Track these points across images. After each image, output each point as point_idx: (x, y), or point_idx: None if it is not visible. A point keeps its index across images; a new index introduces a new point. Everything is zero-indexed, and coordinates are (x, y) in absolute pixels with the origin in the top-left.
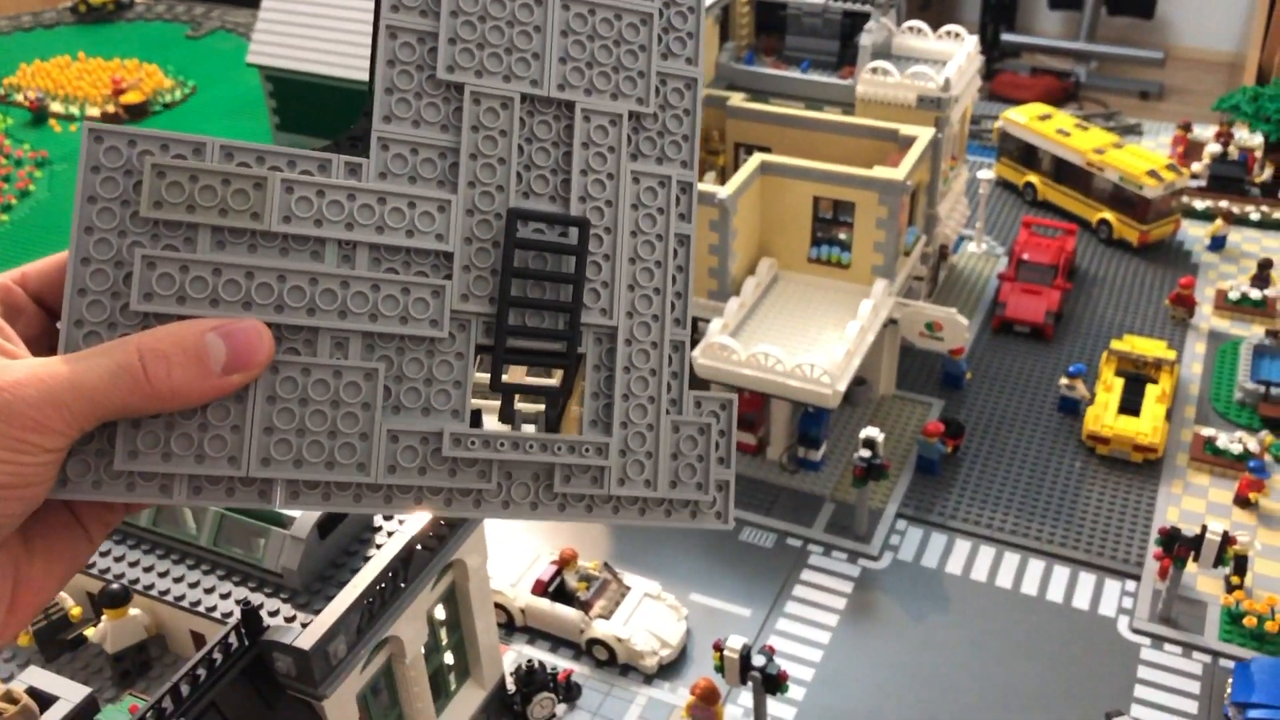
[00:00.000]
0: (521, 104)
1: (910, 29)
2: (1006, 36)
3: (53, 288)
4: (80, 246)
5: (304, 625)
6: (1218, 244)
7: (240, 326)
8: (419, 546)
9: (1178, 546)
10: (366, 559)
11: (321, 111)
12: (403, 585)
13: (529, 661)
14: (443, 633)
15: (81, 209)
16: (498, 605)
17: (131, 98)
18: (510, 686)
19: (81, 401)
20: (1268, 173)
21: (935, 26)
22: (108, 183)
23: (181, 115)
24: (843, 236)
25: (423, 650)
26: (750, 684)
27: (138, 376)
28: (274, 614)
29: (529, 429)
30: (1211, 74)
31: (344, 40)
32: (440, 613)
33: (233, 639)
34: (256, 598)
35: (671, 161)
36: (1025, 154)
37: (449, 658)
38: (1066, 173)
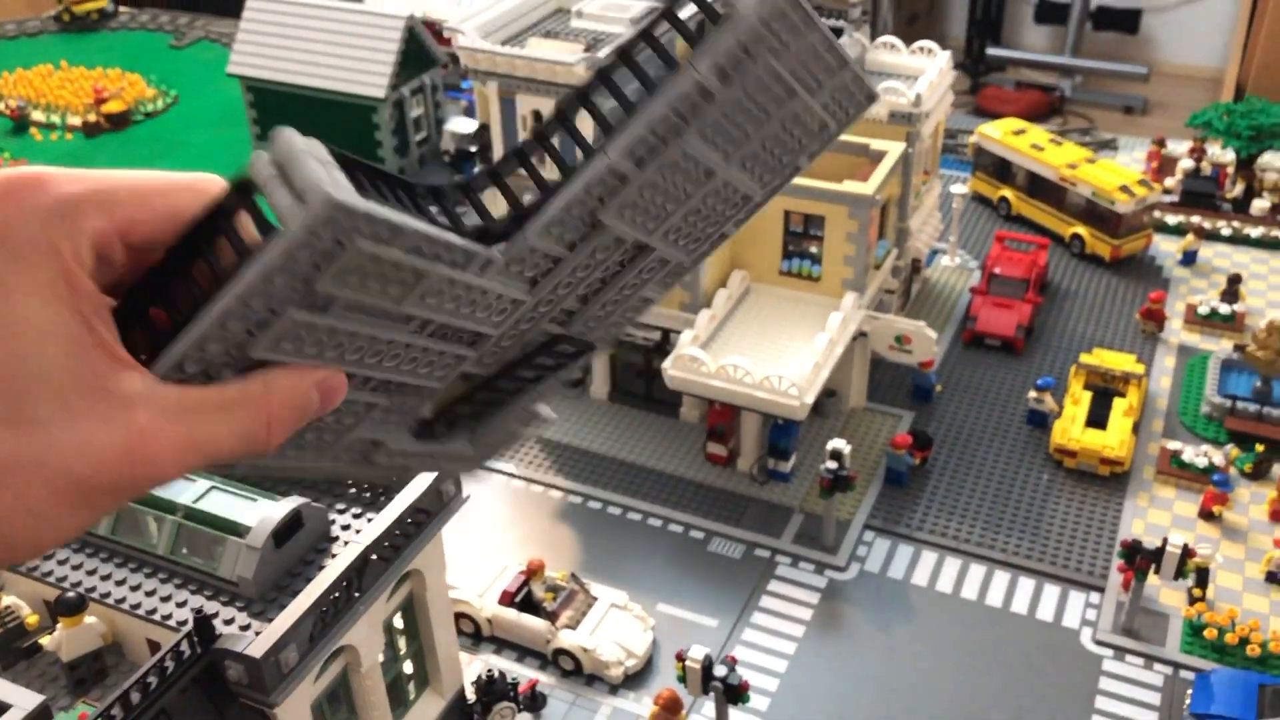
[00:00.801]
0: (623, 245)
1: (884, 45)
2: (992, 51)
3: (152, 240)
4: (232, 309)
5: (256, 634)
6: (1189, 259)
7: (334, 384)
8: (374, 556)
9: (1139, 559)
10: (322, 568)
11: (300, 122)
12: (357, 594)
13: (489, 671)
14: (401, 642)
15: (261, 273)
16: (464, 615)
17: (113, 107)
18: (470, 696)
19: (203, 461)
20: (1239, 188)
21: (923, 40)
22: (305, 251)
23: (163, 125)
24: (814, 250)
25: (380, 659)
26: (712, 694)
27: (260, 440)
28: (228, 622)
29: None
30: (1194, 89)
31: (323, 52)
32: (398, 622)
33: (184, 647)
34: (212, 606)
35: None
36: (1000, 169)
37: (408, 667)
38: (1040, 187)
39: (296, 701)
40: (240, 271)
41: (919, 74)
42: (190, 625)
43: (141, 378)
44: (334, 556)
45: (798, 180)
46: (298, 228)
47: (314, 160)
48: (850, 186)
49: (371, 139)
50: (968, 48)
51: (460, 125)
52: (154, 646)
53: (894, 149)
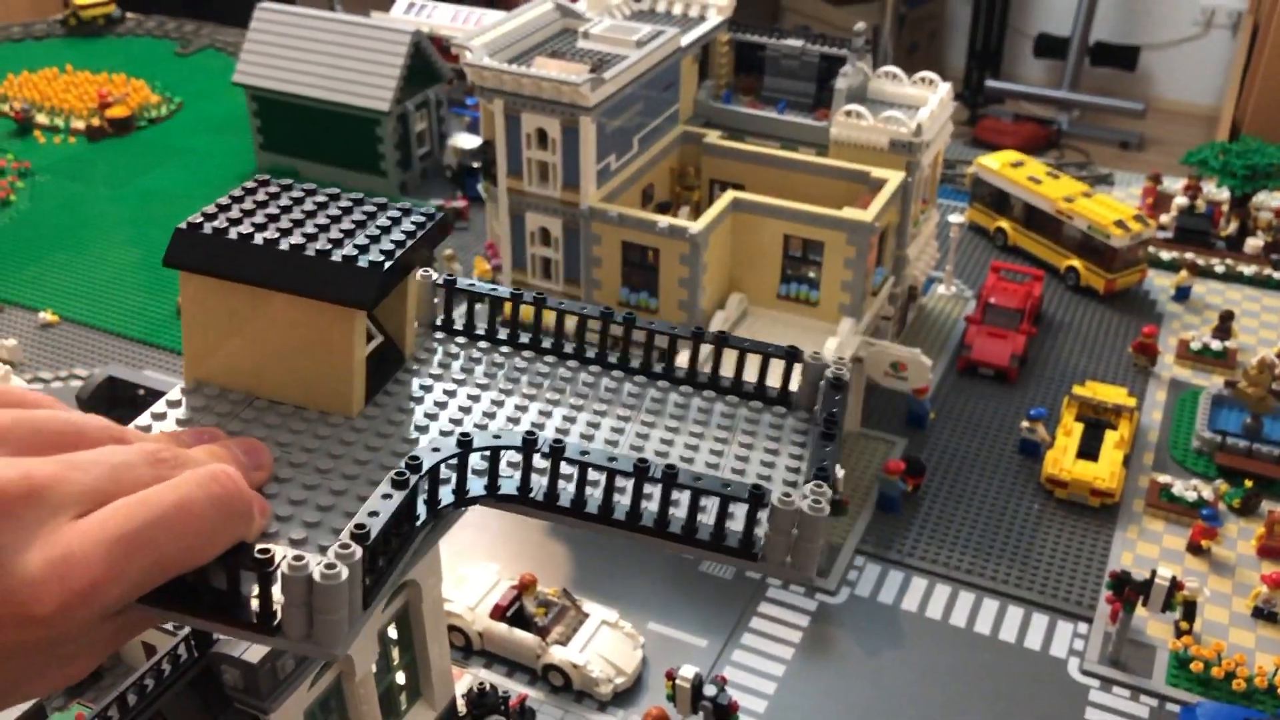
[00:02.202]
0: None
1: (886, 74)
2: (990, 83)
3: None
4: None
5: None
6: (1182, 294)
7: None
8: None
9: (1127, 590)
10: None
11: (303, 132)
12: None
13: (480, 684)
14: (395, 652)
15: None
16: (456, 628)
17: (117, 112)
18: (461, 708)
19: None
20: (1233, 226)
21: (922, 70)
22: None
23: (166, 131)
24: (812, 275)
25: (373, 669)
26: (701, 713)
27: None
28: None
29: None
30: (1190, 127)
31: (328, 64)
32: (393, 632)
33: (181, 650)
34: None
35: None
36: (997, 200)
37: (400, 678)
38: (1036, 220)
39: (291, 708)
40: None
41: (920, 104)
42: (187, 629)
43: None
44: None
45: (797, 205)
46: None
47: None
48: (850, 213)
49: (374, 151)
50: (966, 79)
51: (464, 141)
52: (149, 649)
53: (894, 177)
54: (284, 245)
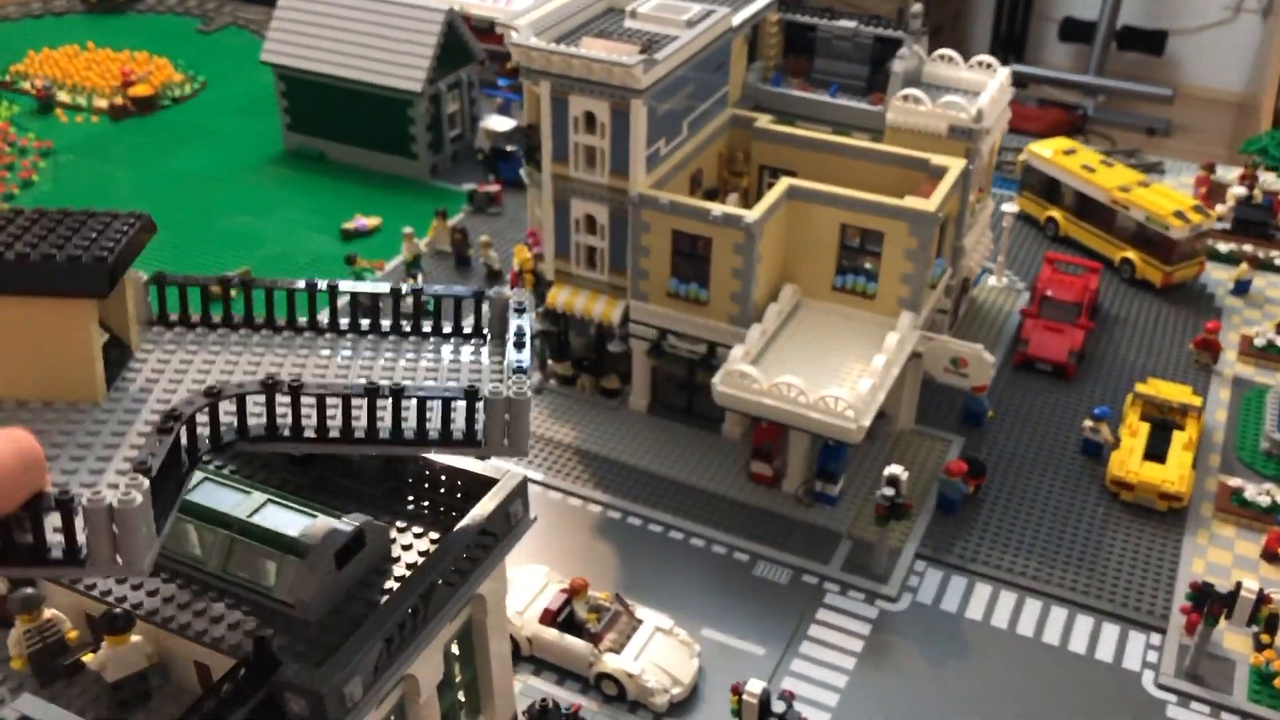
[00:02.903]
0: None
1: (941, 57)
2: (1015, 67)
3: None
4: None
5: (318, 663)
6: (1242, 288)
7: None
8: (441, 581)
9: (1211, 604)
10: (384, 591)
11: (332, 113)
12: (424, 621)
13: (543, 701)
14: (456, 668)
15: None
16: None
17: (140, 90)
18: None
19: None
20: None
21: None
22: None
23: (191, 110)
24: (869, 266)
25: (436, 688)
26: None
27: None
28: (285, 647)
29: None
30: (1220, 114)
31: (359, 43)
32: (455, 648)
33: (242, 674)
34: (267, 629)
35: None
36: (1048, 188)
37: (461, 694)
38: (1090, 209)
39: None
40: None
41: (978, 89)
42: (248, 651)
43: None
44: (396, 580)
45: (856, 193)
46: None
47: None
48: (913, 202)
49: (405, 133)
50: None
51: (496, 123)
52: (202, 669)
53: (955, 165)
54: (9, 255)
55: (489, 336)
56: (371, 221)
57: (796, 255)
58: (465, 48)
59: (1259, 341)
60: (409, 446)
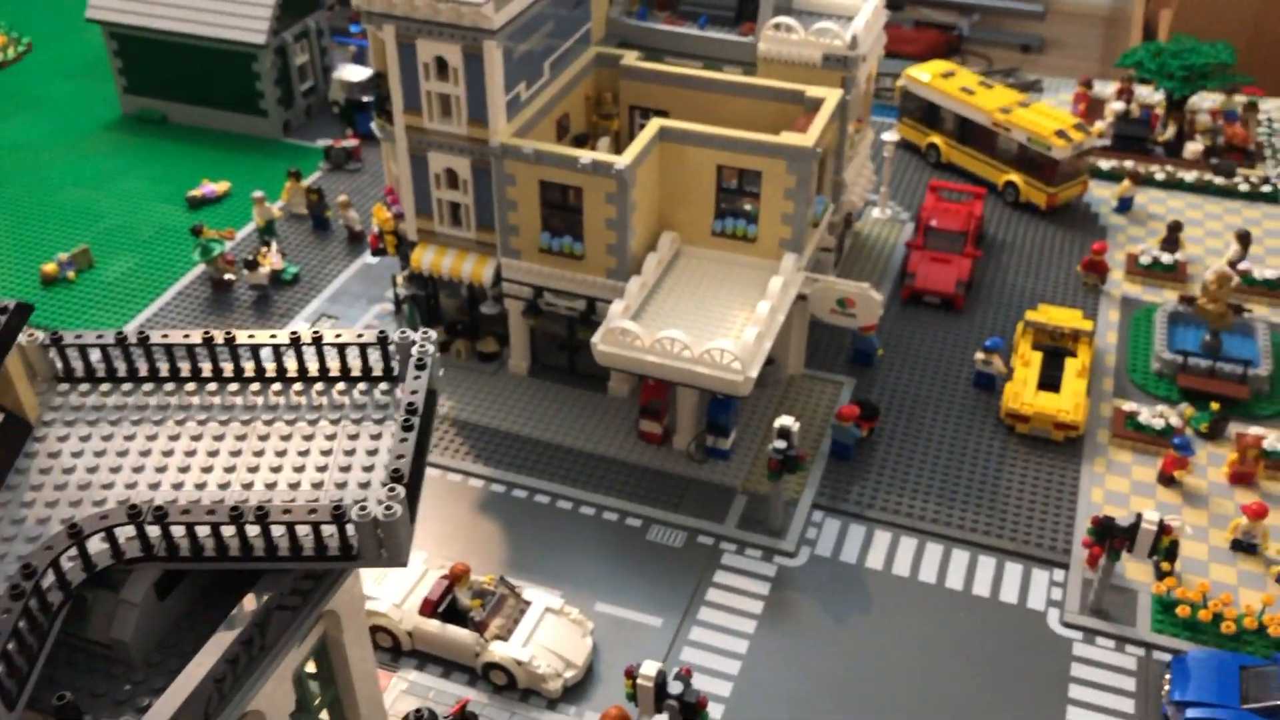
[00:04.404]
0: None
1: None
2: None
3: None
4: None
5: (139, 711)
6: (1125, 206)
7: None
8: (279, 607)
9: (1112, 538)
10: (216, 622)
11: (171, 72)
12: (263, 651)
13: (418, 711)
14: (315, 688)
15: None
16: (382, 629)
17: None
18: None
19: None
20: (1170, 131)
21: None
22: None
23: (16, 75)
24: (748, 208)
25: (290, 713)
26: (666, 713)
27: None
28: (99, 696)
29: None
30: (1091, 28)
31: None
32: (311, 667)
33: None
34: (82, 679)
35: None
36: (928, 114)
37: (324, 716)
38: (971, 133)
39: None
40: None
41: (850, 14)
42: (53, 710)
43: None
44: (231, 607)
45: (730, 132)
46: None
47: None
48: (789, 138)
49: (253, 89)
50: None
51: (351, 73)
52: None
53: (831, 96)
54: None
55: (394, 380)
56: (220, 187)
57: (673, 201)
58: None
59: (1144, 259)
60: (285, 563)
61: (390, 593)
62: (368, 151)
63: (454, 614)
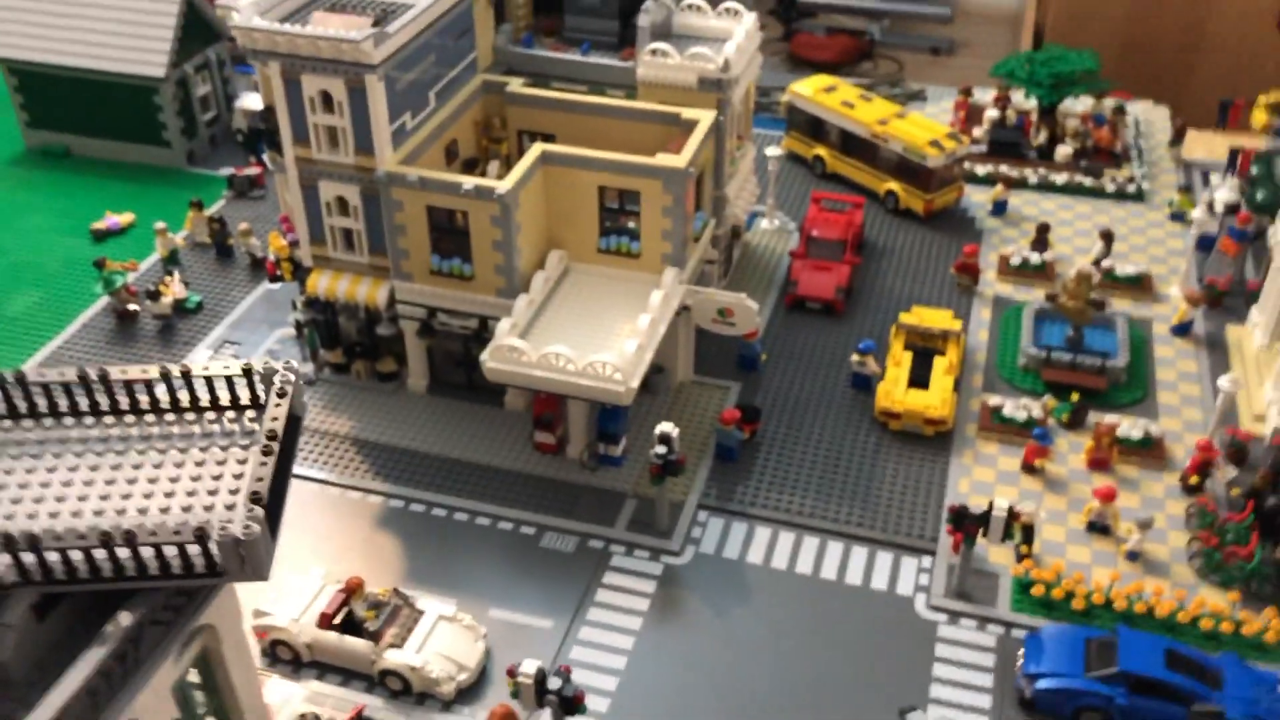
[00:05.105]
0: None
1: (690, 7)
2: None
3: None
4: None
5: None
6: (999, 209)
7: None
8: (152, 622)
9: (967, 524)
10: (98, 640)
11: (74, 106)
12: (137, 664)
13: (302, 715)
14: (198, 698)
15: None
16: (283, 643)
17: None
18: None
19: None
20: (1043, 136)
21: None
22: None
23: None
24: (631, 225)
25: None
26: (548, 708)
27: None
28: None
29: None
30: (997, 29)
31: (93, 29)
32: (193, 677)
33: None
34: None
35: None
36: (813, 127)
37: None
38: (853, 145)
39: None
40: None
41: (727, 37)
42: None
43: None
44: (109, 625)
45: (607, 155)
46: None
47: None
48: (663, 159)
49: (155, 121)
50: None
51: (253, 102)
52: None
53: (705, 117)
54: None
55: (261, 407)
56: (124, 219)
57: (560, 221)
58: (210, 26)
59: (1015, 260)
60: (155, 582)
61: (288, 608)
62: (271, 179)
63: (351, 625)
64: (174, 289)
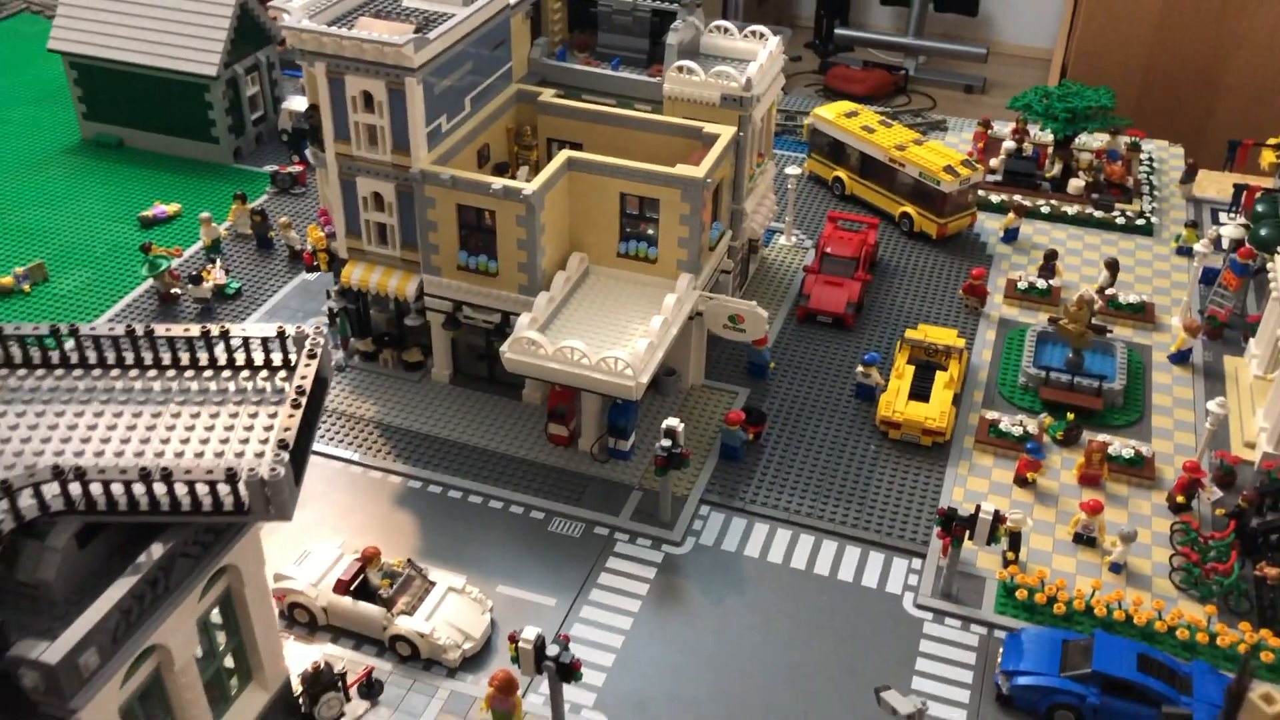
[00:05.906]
0: None
1: (717, 28)
2: (840, 31)
3: None
4: None
5: (54, 639)
6: (1011, 236)
7: None
8: (182, 554)
9: (955, 526)
10: (132, 568)
11: (129, 100)
12: (166, 592)
13: (315, 663)
14: (219, 637)
15: None
16: (300, 605)
17: None
18: (297, 687)
19: None
20: (1057, 168)
21: (774, 22)
22: None
23: None
24: (650, 232)
25: (196, 657)
26: (546, 674)
27: None
28: (26, 627)
29: None
30: (1030, 69)
31: (152, 28)
32: (216, 617)
33: None
34: (12, 615)
35: None
36: (834, 150)
37: (228, 661)
38: (871, 168)
39: (101, 706)
40: None
41: (751, 58)
42: None
43: None
44: (142, 555)
45: (630, 163)
46: None
47: None
48: (682, 170)
49: (205, 117)
50: (817, 28)
51: (298, 103)
52: None
53: (726, 132)
54: None
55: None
56: (171, 208)
57: (582, 224)
58: (262, 29)
59: (1021, 284)
60: (187, 517)
61: (308, 574)
62: (312, 178)
63: (365, 592)
64: (215, 275)
